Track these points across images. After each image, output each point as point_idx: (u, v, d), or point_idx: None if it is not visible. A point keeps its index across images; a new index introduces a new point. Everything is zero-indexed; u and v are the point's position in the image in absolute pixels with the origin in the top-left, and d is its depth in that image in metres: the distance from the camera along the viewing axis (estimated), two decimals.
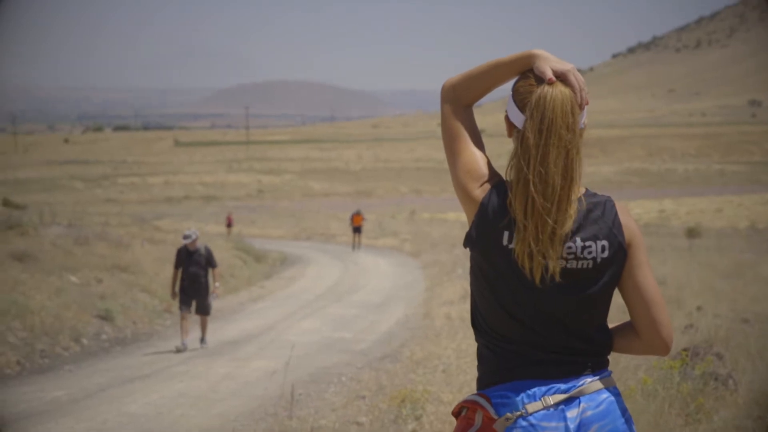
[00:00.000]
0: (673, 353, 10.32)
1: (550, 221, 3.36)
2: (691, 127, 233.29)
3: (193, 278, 18.77)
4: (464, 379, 13.59)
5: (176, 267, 18.98)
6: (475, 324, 3.60)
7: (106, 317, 20.66)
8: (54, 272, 23.17)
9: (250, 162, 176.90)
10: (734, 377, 10.42)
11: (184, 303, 18.73)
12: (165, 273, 25.87)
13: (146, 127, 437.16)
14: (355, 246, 50.40)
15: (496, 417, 3.38)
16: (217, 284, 19.28)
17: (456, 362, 15.49)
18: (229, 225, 59.04)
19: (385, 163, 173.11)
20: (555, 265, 3.39)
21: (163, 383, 15.11)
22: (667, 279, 25.22)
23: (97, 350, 18.53)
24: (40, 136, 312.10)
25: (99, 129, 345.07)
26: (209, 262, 18.97)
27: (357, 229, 50.67)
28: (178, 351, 18.25)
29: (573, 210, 3.40)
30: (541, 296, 3.42)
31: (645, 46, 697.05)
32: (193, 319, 19.47)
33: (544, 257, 3.38)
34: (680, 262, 32.51)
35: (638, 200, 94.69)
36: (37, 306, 18.75)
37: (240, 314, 24.50)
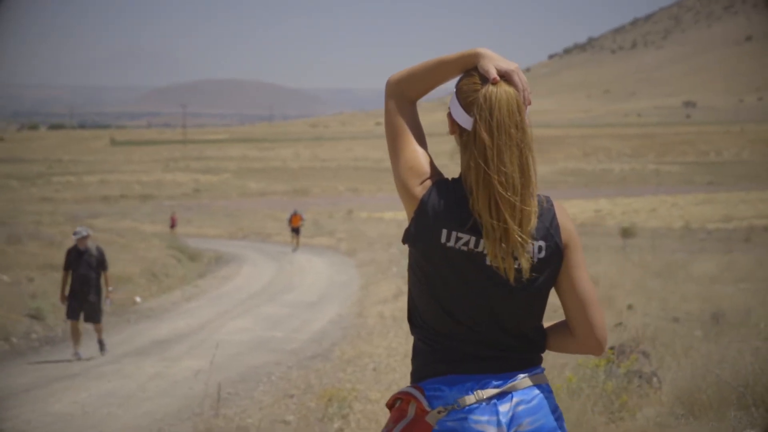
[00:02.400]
0: None
1: (516, 218, 3.36)
2: (626, 128, 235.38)
3: (83, 281, 17.34)
4: (393, 378, 13.63)
5: (65, 269, 17.53)
6: (411, 319, 3.60)
7: (36, 316, 20.46)
8: None
9: (187, 161, 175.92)
10: (658, 375, 10.53)
11: (73, 310, 17.26)
12: None
13: (82, 126, 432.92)
14: (294, 247, 50.28)
15: (428, 409, 3.39)
16: (110, 288, 18.02)
17: (386, 360, 15.54)
18: (173, 225, 58.81)
19: (322, 162, 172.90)
20: (526, 262, 3.40)
21: (92, 382, 15.00)
22: (601, 278, 25.37)
23: (26, 349, 18.36)
24: None
25: (34, 127, 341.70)
26: (101, 264, 17.63)
27: (295, 230, 50.56)
28: (76, 358, 17.13)
29: (534, 206, 3.41)
30: (480, 294, 3.43)
31: (581, 47, 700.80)
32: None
33: (514, 256, 3.39)
34: (614, 262, 32.74)
35: (574, 200, 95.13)
36: None
37: (172, 313, 24.34)
